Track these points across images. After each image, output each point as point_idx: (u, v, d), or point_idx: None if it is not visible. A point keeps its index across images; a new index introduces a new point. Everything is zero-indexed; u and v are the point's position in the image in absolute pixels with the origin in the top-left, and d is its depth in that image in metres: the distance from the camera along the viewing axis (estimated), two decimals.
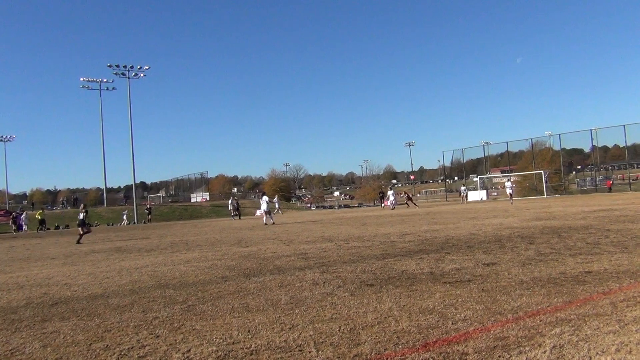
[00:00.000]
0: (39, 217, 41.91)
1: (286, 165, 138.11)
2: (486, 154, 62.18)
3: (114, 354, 3.93)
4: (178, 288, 6.87)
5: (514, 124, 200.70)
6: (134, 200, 58.42)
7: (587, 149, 57.17)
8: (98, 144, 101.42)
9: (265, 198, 26.98)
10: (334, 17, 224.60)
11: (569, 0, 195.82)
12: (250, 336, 4.19)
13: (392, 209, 38.03)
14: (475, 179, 63.86)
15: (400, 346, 3.69)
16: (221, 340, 4.11)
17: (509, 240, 10.17)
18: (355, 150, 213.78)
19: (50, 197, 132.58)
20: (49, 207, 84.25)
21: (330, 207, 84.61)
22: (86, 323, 5.06)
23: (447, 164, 67.80)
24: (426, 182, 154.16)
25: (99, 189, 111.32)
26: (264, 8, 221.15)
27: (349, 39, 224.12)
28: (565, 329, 3.89)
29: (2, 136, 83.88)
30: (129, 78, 59.75)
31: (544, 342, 3.61)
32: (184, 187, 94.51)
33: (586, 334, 3.72)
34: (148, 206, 55.34)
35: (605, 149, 60.41)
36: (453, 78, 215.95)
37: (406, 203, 40.35)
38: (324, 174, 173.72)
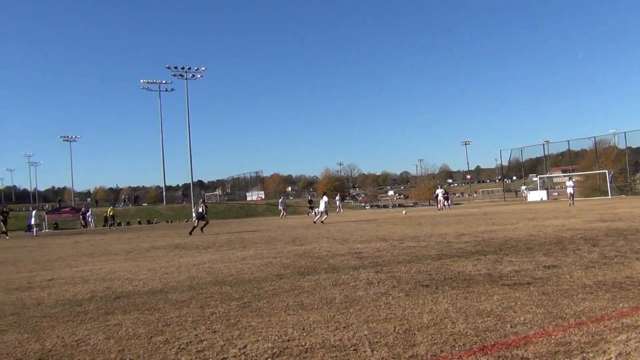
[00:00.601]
0: (111, 214, 45.17)
1: (340, 165, 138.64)
2: (546, 153, 60.12)
3: (173, 347, 4.04)
4: (234, 285, 7.00)
5: (576, 121, 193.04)
6: (191, 198, 60.17)
7: None
8: (158, 144, 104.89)
9: (325, 198, 27.09)
10: (402, 15, 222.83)
11: None
12: (305, 334, 4.22)
13: (439, 209, 37.37)
14: (534, 179, 61.86)
15: (456, 348, 3.62)
16: (277, 337, 4.15)
17: (571, 242, 9.77)
18: (410, 149, 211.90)
19: (113, 195, 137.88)
20: (114, 205, 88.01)
21: (385, 206, 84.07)
22: (147, 317, 5.23)
23: (505, 163, 66.19)
24: (483, 181, 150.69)
25: (158, 187, 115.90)
26: (324, 7, 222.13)
27: (405, 37, 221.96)
28: (631, 335, 3.70)
29: (67, 136, 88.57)
30: (186, 79, 61.78)
31: (609, 348, 3.44)
32: (239, 185, 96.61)
33: None
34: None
35: None
36: (511, 75, 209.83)
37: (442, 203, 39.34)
38: (378, 173, 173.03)
